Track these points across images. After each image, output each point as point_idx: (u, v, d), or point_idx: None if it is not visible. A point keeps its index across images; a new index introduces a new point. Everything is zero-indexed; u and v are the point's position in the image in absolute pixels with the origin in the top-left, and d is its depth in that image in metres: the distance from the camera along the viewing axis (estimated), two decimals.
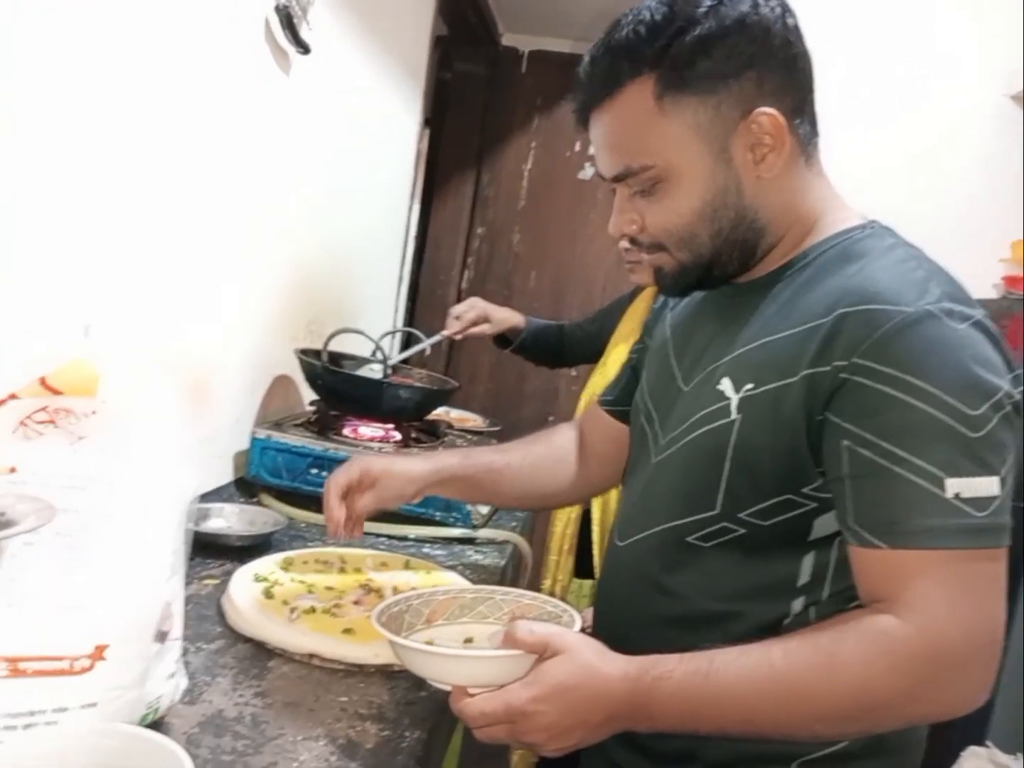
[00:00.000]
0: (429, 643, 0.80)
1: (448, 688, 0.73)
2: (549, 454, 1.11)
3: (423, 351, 1.84)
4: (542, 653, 0.70)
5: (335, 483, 1.01)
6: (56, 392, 0.69)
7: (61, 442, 0.68)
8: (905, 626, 0.66)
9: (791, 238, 0.82)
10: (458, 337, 1.90)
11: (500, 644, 0.72)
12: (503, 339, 1.96)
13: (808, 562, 0.77)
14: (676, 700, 0.68)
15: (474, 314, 1.88)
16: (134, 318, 1.12)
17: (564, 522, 1.74)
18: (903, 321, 0.68)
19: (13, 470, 0.66)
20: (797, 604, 0.77)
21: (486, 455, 1.09)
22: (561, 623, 0.79)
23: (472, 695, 0.70)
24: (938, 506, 0.66)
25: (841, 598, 0.76)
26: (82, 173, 0.97)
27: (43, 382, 0.70)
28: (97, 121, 0.98)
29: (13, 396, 0.70)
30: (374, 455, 1.07)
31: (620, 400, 1.08)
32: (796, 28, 0.79)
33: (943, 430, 0.67)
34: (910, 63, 2.20)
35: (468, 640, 0.84)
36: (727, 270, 0.83)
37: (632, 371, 1.07)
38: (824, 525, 0.76)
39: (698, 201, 0.78)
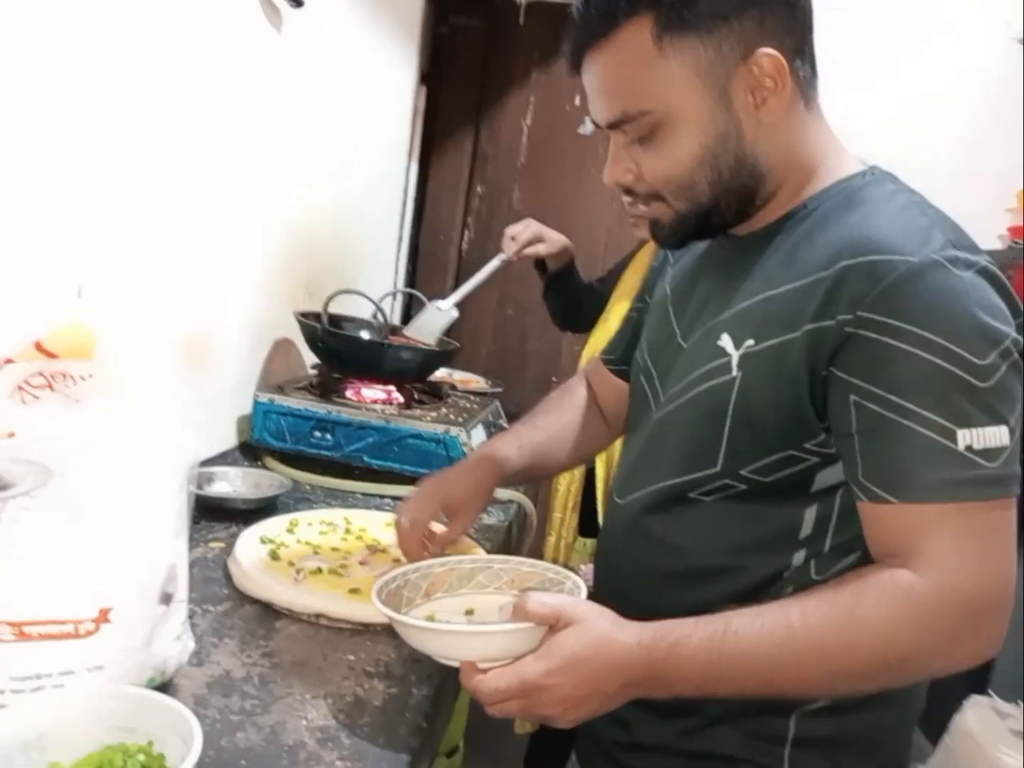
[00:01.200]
0: (431, 618, 0.79)
1: (456, 664, 0.71)
2: (578, 420, 1.09)
3: (481, 282, 1.80)
4: (554, 624, 0.68)
5: (418, 525, 0.92)
6: (52, 356, 0.69)
7: (58, 406, 0.67)
8: (923, 580, 0.65)
9: (790, 185, 0.80)
10: (515, 258, 1.85)
11: (510, 617, 0.70)
12: (542, 265, 1.93)
13: (810, 514, 0.76)
14: (694, 665, 0.67)
15: (529, 233, 1.84)
16: (129, 280, 1.11)
17: (568, 480, 1.74)
18: (907, 271, 0.67)
19: (12, 435, 0.65)
20: (798, 556, 0.77)
21: (534, 436, 1.04)
22: (564, 590, 0.79)
23: (483, 670, 0.68)
24: (950, 458, 0.65)
25: (841, 550, 0.76)
26: (74, 134, 0.95)
27: (39, 346, 0.69)
28: (87, 83, 0.96)
29: (9, 360, 0.69)
30: (436, 479, 0.98)
31: (623, 358, 1.07)
32: None
33: (952, 381, 0.65)
34: (912, 5, 2.14)
35: (469, 612, 0.83)
36: (725, 218, 0.80)
37: (634, 330, 1.05)
38: (826, 478, 0.75)
39: (698, 147, 0.75)
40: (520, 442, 1.02)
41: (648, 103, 0.74)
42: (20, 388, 0.69)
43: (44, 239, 0.94)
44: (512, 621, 0.69)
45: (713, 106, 0.74)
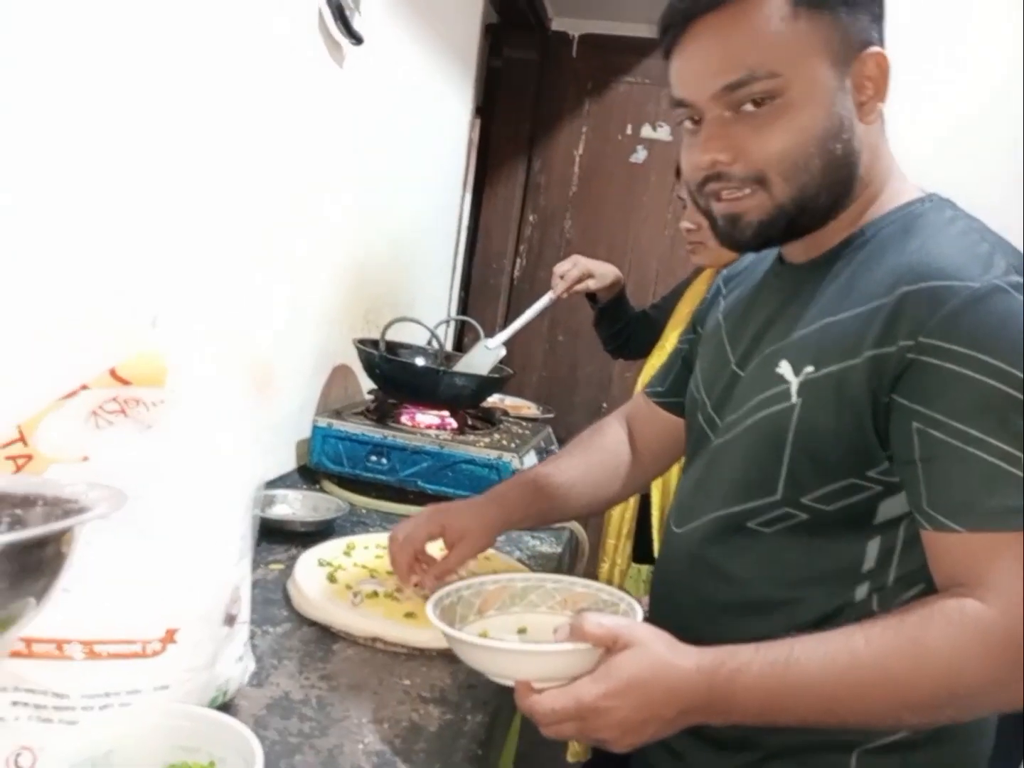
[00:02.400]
0: (483, 635, 0.79)
1: (510, 684, 0.70)
2: (607, 462, 1.07)
3: (530, 319, 1.82)
4: (611, 646, 0.68)
5: (415, 541, 0.93)
6: (126, 383, 0.71)
7: (131, 431, 0.70)
8: (991, 609, 0.64)
9: (858, 205, 0.79)
10: (564, 296, 1.85)
11: (566, 637, 0.69)
12: (593, 297, 1.93)
13: (874, 546, 0.75)
14: (755, 692, 0.66)
15: (577, 271, 1.84)
16: (201, 309, 1.15)
17: (623, 506, 1.73)
18: (970, 297, 0.66)
19: (86, 459, 0.68)
20: (861, 590, 0.75)
21: (552, 479, 1.02)
22: (619, 611, 0.78)
23: (538, 690, 0.68)
24: (1014, 485, 0.64)
25: (904, 583, 0.74)
26: (151, 170, 1.00)
27: (113, 373, 0.71)
28: (165, 123, 1.00)
29: (84, 387, 0.72)
30: (445, 505, 0.98)
31: (670, 391, 1.05)
32: None
33: (1015, 406, 0.64)
34: (952, 22, 2.10)
35: (522, 630, 0.83)
36: (815, 218, 0.77)
37: (683, 362, 1.05)
38: (890, 508, 0.73)
39: (820, 126, 0.72)
40: (537, 485, 1.01)
41: (780, 65, 0.70)
42: (94, 413, 0.71)
43: (121, 271, 0.98)
44: (569, 641, 0.68)
45: (836, 88, 0.72)
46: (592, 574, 1.76)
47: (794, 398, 0.75)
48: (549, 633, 0.73)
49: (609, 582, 1.75)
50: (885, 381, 0.69)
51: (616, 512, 1.74)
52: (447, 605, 0.80)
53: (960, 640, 0.64)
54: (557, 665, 0.68)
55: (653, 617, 0.90)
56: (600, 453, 1.07)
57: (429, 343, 1.75)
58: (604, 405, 3.07)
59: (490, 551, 1.16)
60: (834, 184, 0.75)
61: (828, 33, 0.71)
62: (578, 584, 0.85)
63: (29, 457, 0.67)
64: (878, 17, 0.74)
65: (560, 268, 1.87)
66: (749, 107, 0.72)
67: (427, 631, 0.89)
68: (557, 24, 3.07)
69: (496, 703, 0.82)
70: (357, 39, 1.43)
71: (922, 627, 0.65)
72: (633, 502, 1.72)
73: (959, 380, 0.65)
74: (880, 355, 0.69)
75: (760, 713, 0.67)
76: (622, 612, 0.78)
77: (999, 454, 0.64)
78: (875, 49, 0.73)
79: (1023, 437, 0.64)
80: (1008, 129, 2.08)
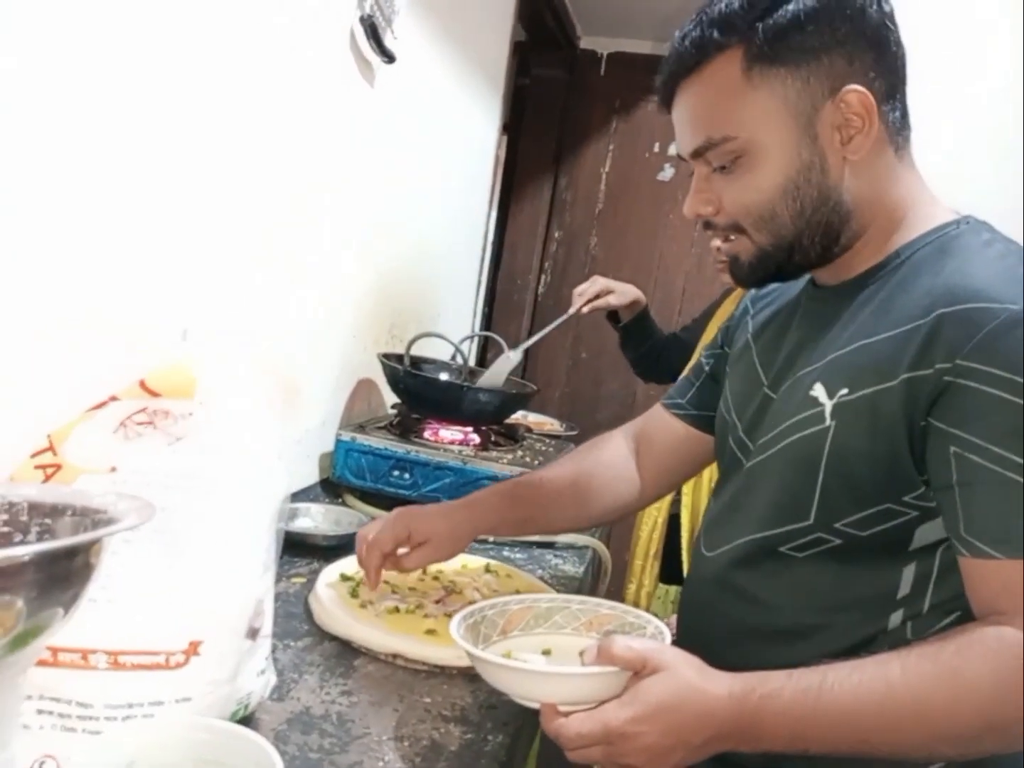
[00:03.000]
0: (507, 655, 0.78)
1: (535, 706, 0.70)
2: (599, 475, 1.05)
3: (547, 333, 1.83)
4: (640, 670, 0.67)
5: (382, 544, 0.93)
6: (155, 394, 0.72)
7: (159, 443, 0.70)
8: None
9: (879, 232, 0.79)
10: (585, 310, 1.86)
11: (594, 659, 0.68)
12: (614, 317, 1.93)
13: (909, 573, 0.74)
14: (786, 719, 0.65)
15: (596, 288, 1.86)
16: (230, 323, 1.16)
17: (651, 527, 1.73)
18: (1008, 319, 0.65)
19: (114, 470, 0.68)
20: (895, 618, 0.74)
21: (533, 490, 1.02)
22: (646, 634, 0.77)
23: (564, 714, 0.67)
24: None
25: (940, 611, 0.73)
26: (183, 187, 1.01)
27: (142, 384, 0.72)
28: (195, 134, 1.01)
29: (114, 398, 0.73)
30: (413, 507, 0.99)
31: (693, 403, 1.04)
32: (892, 14, 0.76)
33: None
34: (990, 47, 2.09)
35: (546, 651, 0.82)
36: (809, 257, 0.80)
37: (709, 377, 1.03)
38: (926, 534, 0.72)
39: (780, 176, 0.76)
40: (516, 492, 1.01)
41: (732, 129, 0.76)
42: (123, 424, 0.72)
43: (153, 284, 0.99)
44: (596, 664, 0.67)
45: (798, 138, 0.75)
46: (618, 594, 1.75)
47: (828, 421, 0.75)
48: (574, 654, 0.72)
49: (636, 603, 1.74)
50: (921, 404, 0.68)
51: (644, 533, 1.73)
52: (471, 624, 0.80)
53: (999, 670, 0.62)
54: (584, 688, 0.68)
55: (680, 641, 0.89)
56: (594, 466, 1.06)
57: (453, 358, 1.75)
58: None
59: (511, 569, 1.16)
60: (818, 224, 0.77)
61: (785, 88, 0.74)
62: (604, 606, 0.84)
63: (59, 467, 0.68)
64: (864, 51, 0.74)
65: (578, 288, 1.88)
66: (723, 164, 0.77)
67: (448, 649, 0.88)
68: (585, 43, 3.09)
69: (517, 724, 0.81)
70: (390, 58, 1.44)
71: (960, 656, 0.64)
72: (661, 522, 1.71)
73: (998, 403, 0.64)
74: (916, 378, 0.69)
75: (791, 741, 0.66)
76: (649, 635, 0.76)
77: None
78: (852, 87, 0.74)
79: None
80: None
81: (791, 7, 0.73)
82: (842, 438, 0.73)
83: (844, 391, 0.74)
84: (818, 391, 0.76)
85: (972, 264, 0.72)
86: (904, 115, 0.79)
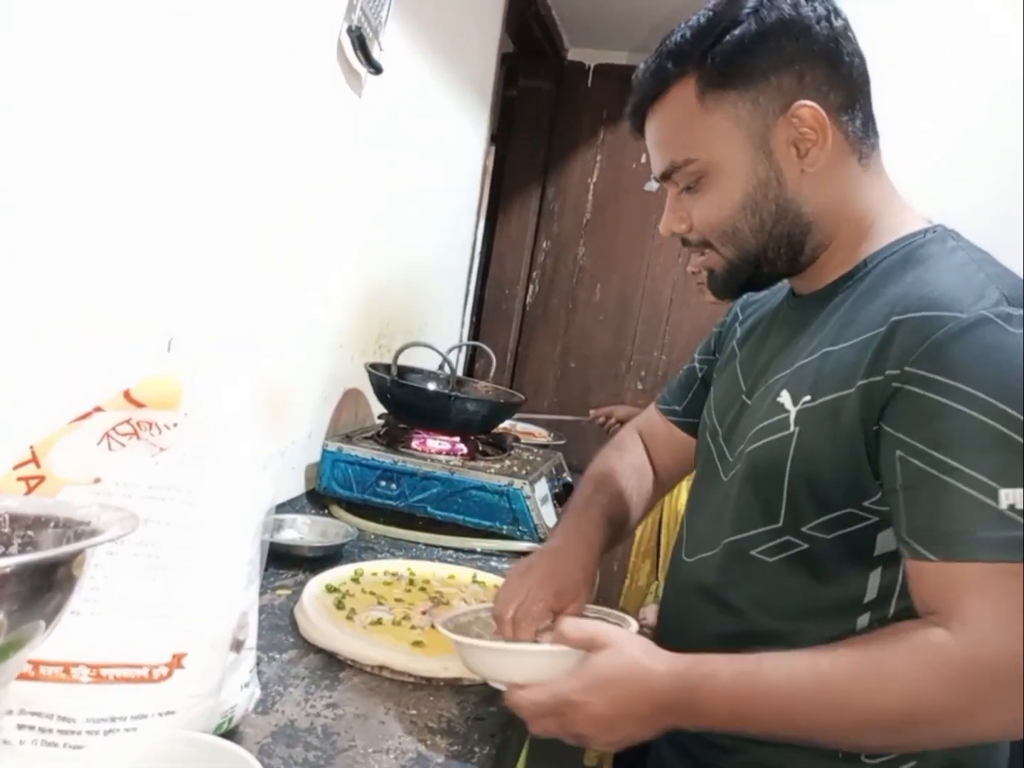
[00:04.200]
0: None
1: (502, 687, 0.77)
2: (638, 482, 1.07)
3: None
4: (589, 647, 0.73)
5: (528, 618, 0.82)
6: (139, 405, 0.71)
7: (143, 454, 0.70)
8: (955, 640, 0.64)
9: (846, 241, 0.81)
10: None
11: (551, 641, 0.77)
12: None
13: (875, 579, 0.75)
14: (721, 698, 0.68)
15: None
16: (215, 333, 1.16)
17: (643, 525, 1.81)
18: (956, 327, 0.66)
19: (98, 481, 0.68)
20: (862, 620, 0.76)
21: (611, 510, 0.99)
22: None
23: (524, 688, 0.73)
24: (991, 517, 0.63)
25: (905, 615, 0.73)
26: (168, 197, 1.01)
27: (127, 395, 0.72)
28: (180, 144, 1.01)
29: (98, 409, 0.72)
30: (548, 568, 0.87)
31: (687, 411, 1.07)
32: (844, 29, 0.79)
33: (996, 438, 0.64)
34: (961, 53, 2.11)
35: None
36: (776, 267, 0.83)
37: (701, 383, 1.06)
38: (888, 540, 0.74)
39: (739, 194, 0.79)
40: (606, 519, 0.98)
41: (692, 152, 0.80)
42: (107, 435, 0.71)
43: (138, 295, 0.99)
44: (552, 644, 0.76)
45: (753, 155, 0.78)
46: (611, 594, 1.81)
47: (792, 427, 0.77)
48: None
49: (628, 599, 1.82)
50: (874, 410, 0.70)
51: (638, 531, 1.79)
52: (463, 623, 0.86)
53: (918, 665, 0.64)
54: (541, 665, 0.75)
55: (658, 645, 0.89)
56: (632, 475, 1.09)
57: (441, 368, 1.75)
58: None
59: (499, 579, 1.16)
60: (780, 236, 0.80)
61: (737, 109, 0.78)
62: (589, 609, 0.88)
63: (42, 478, 0.68)
64: (814, 66, 0.77)
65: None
66: (688, 184, 0.82)
67: (435, 660, 0.88)
68: (573, 54, 3.11)
69: (504, 736, 0.81)
70: (377, 69, 1.45)
71: (885, 651, 0.66)
72: (652, 522, 1.76)
73: (941, 410, 0.66)
74: (870, 384, 0.70)
75: (729, 720, 0.69)
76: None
77: (976, 485, 0.64)
78: (803, 103, 0.76)
79: (1000, 468, 0.64)
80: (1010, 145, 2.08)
81: (736, 32, 0.76)
82: (805, 443, 0.75)
83: (807, 398, 0.76)
84: (784, 397, 0.79)
85: (931, 273, 0.73)
86: (866, 123, 0.80)
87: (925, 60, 2.12)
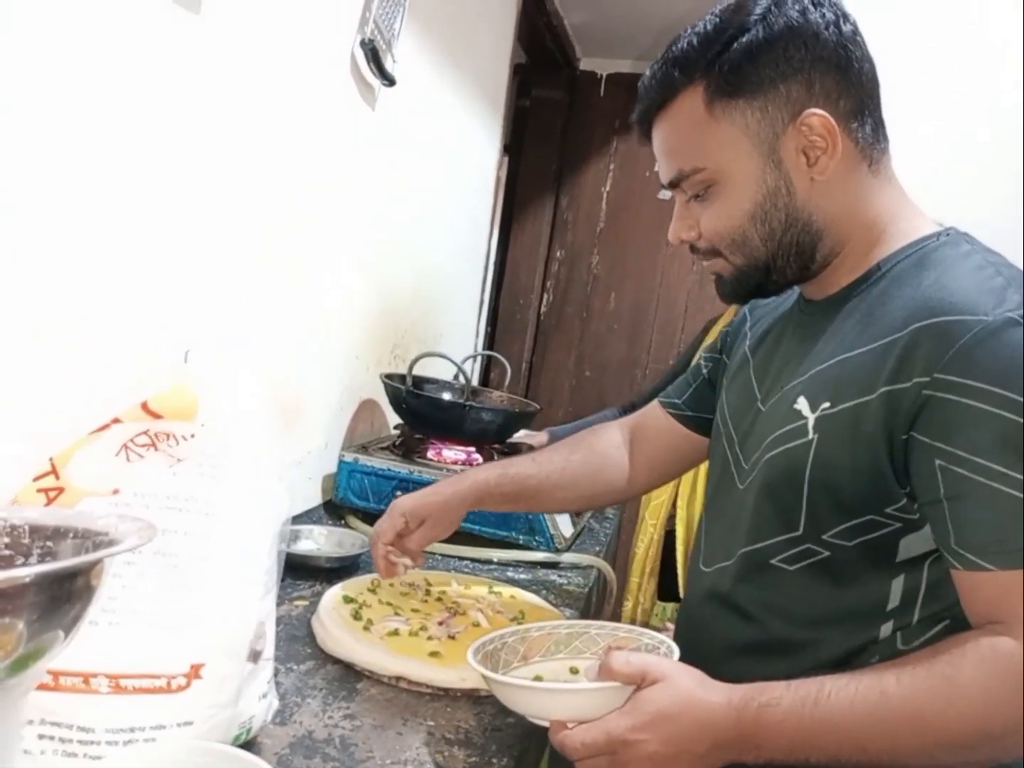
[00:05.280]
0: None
1: (545, 724, 0.71)
2: (591, 461, 1.10)
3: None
4: (640, 683, 0.68)
5: (382, 536, 1.02)
6: (157, 416, 0.72)
7: (161, 464, 0.70)
8: None
9: (858, 247, 0.81)
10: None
11: (597, 676, 0.70)
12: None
13: (898, 585, 0.74)
14: (784, 728, 0.66)
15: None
16: (232, 344, 1.16)
17: (647, 544, 1.72)
18: (983, 331, 0.66)
19: (116, 491, 0.68)
20: (885, 629, 0.75)
21: (523, 467, 1.08)
22: (659, 654, 0.77)
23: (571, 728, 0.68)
24: None
25: (930, 621, 0.74)
26: (186, 210, 1.02)
27: (144, 406, 0.72)
28: (197, 160, 1.02)
29: (116, 420, 0.73)
30: (405, 496, 1.07)
31: (689, 405, 1.07)
32: (853, 34, 0.78)
33: None
34: (968, 57, 2.09)
35: (574, 671, 0.83)
36: (785, 275, 0.82)
37: (706, 381, 1.05)
38: (911, 546, 0.73)
39: (748, 203, 0.79)
40: (505, 470, 1.06)
41: (700, 160, 0.79)
42: (125, 447, 0.72)
43: (154, 306, 1.00)
44: (598, 680, 0.69)
45: (762, 164, 0.78)
46: (616, 613, 1.73)
47: (811, 434, 0.76)
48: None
49: (632, 621, 1.73)
50: (901, 418, 0.69)
51: (640, 550, 1.73)
52: (490, 650, 0.81)
53: (992, 678, 0.63)
54: (588, 703, 0.69)
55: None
56: (584, 452, 1.10)
57: (455, 378, 1.75)
58: None
59: (515, 590, 1.16)
60: (789, 244, 0.80)
61: (745, 118, 0.77)
62: (621, 629, 0.85)
63: (61, 490, 0.68)
64: (823, 73, 0.76)
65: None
66: (697, 193, 0.81)
67: (452, 671, 0.88)
68: (585, 64, 3.12)
69: (522, 747, 0.80)
70: (390, 81, 1.46)
71: (954, 665, 0.64)
72: (657, 539, 1.70)
73: (978, 415, 0.65)
74: (895, 391, 0.69)
75: (791, 750, 0.66)
76: (662, 655, 0.77)
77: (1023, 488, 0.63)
78: (813, 111, 0.76)
79: None
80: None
81: (744, 40, 0.75)
82: (824, 451, 0.75)
83: (826, 404, 0.75)
84: (801, 404, 0.78)
85: (949, 276, 0.73)
86: (876, 129, 0.80)
87: (923, 64, 2.10)
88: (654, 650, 0.79)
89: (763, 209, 0.78)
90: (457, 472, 1.42)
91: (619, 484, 1.10)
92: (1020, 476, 0.63)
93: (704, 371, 1.06)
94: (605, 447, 1.11)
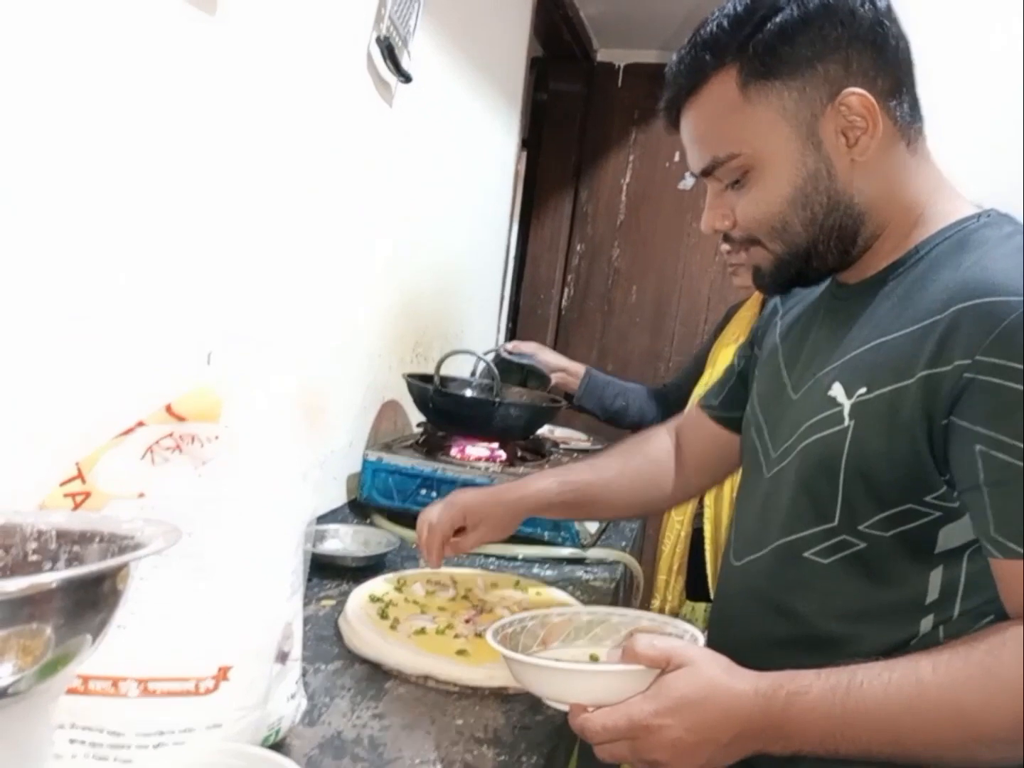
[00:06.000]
0: None
1: (565, 708, 0.70)
2: (646, 468, 1.09)
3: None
4: (664, 667, 0.67)
5: (440, 527, 1.01)
6: (181, 419, 0.72)
7: (186, 467, 0.70)
8: None
9: (897, 229, 0.78)
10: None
11: (620, 659, 0.69)
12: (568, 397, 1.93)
13: (936, 577, 0.72)
14: (814, 717, 0.64)
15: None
16: (255, 345, 1.16)
17: (673, 541, 1.69)
18: None
19: (142, 495, 0.69)
20: (926, 623, 0.73)
21: (583, 475, 1.07)
22: (683, 639, 0.76)
23: (591, 712, 0.68)
24: None
25: (973, 615, 0.71)
26: (206, 213, 1.02)
27: (169, 409, 0.72)
28: (214, 159, 1.02)
29: (141, 424, 0.73)
30: (467, 491, 1.06)
31: (724, 405, 1.05)
32: (888, 10, 0.76)
33: None
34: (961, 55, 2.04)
35: (593, 658, 0.82)
36: (827, 261, 0.80)
37: (739, 377, 1.04)
38: (950, 536, 0.71)
39: (788, 187, 0.76)
40: (565, 478, 1.05)
41: (736, 146, 0.77)
42: (150, 450, 0.72)
43: (177, 311, 1.00)
44: (622, 662, 0.68)
45: (801, 147, 0.75)
46: (644, 610, 1.71)
47: (847, 421, 0.74)
48: None
49: None
50: (941, 402, 0.67)
51: (667, 547, 1.70)
52: (509, 633, 0.80)
53: None
54: (610, 686, 0.68)
55: None
56: (639, 459, 1.10)
57: (473, 374, 1.75)
58: None
59: (541, 587, 1.15)
60: (831, 229, 0.77)
61: (781, 98, 0.75)
62: (644, 618, 0.84)
63: (88, 494, 0.68)
64: (860, 51, 0.74)
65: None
66: (733, 180, 0.79)
67: (480, 669, 0.87)
68: (602, 55, 3.09)
69: (551, 745, 0.80)
70: (407, 77, 1.45)
71: (992, 655, 0.62)
72: (684, 536, 1.68)
73: (1021, 398, 0.63)
74: (935, 375, 0.67)
75: (821, 741, 0.64)
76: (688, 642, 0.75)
77: None
78: (851, 90, 0.73)
79: None
80: None
81: (778, 20, 0.73)
82: (861, 438, 0.72)
83: (862, 390, 0.73)
84: (836, 391, 0.75)
85: (990, 258, 0.70)
86: (913, 107, 0.78)
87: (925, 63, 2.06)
88: (677, 639, 0.77)
89: (804, 193, 0.76)
90: (481, 469, 1.42)
91: (673, 490, 1.10)
92: None
93: (736, 368, 1.05)
94: (658, 454, 1.10)
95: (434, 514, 1.02)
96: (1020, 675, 0.61)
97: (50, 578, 0.46)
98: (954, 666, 0.63)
